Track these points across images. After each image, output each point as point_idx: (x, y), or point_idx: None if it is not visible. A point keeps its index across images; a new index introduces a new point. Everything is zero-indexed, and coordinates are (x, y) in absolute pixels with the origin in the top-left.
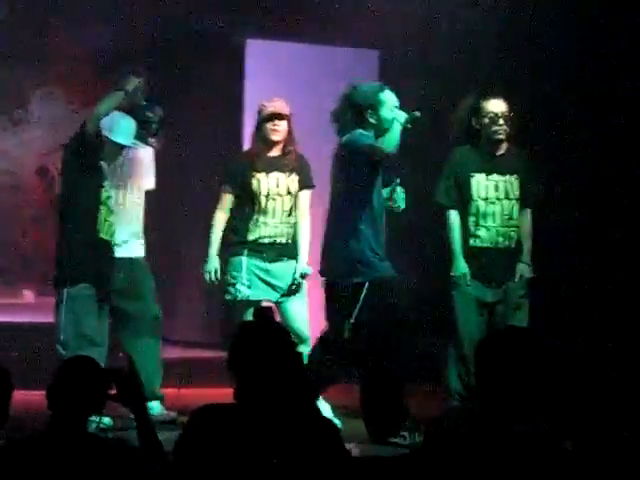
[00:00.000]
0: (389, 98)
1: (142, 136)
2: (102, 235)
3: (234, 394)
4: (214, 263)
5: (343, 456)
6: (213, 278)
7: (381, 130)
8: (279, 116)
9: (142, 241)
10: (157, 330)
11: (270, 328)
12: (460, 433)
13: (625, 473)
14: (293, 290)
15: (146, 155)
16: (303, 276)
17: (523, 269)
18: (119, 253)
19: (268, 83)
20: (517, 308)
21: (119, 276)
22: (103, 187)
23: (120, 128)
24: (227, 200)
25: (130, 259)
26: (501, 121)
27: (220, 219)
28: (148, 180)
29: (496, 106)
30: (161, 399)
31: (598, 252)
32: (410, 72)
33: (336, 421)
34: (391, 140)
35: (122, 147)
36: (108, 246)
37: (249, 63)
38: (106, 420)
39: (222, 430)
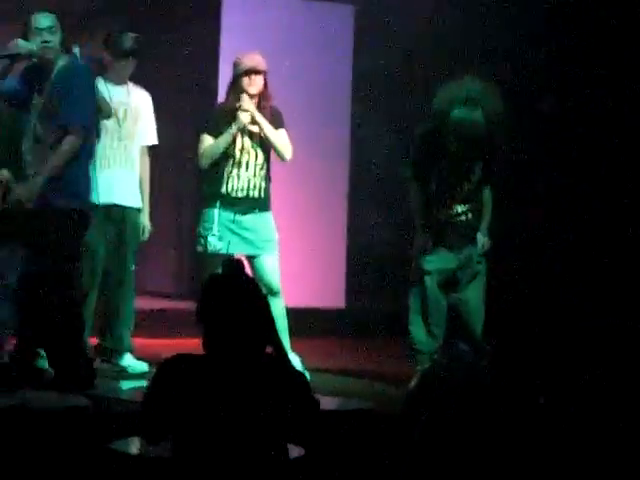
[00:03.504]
0: None
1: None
2: None
3: (203, 345)
4: None
5: (312, 405)
6: None
7: None
8: (256, 71)
9: (137, 191)
10: (132, 281)
11: (239, 280)
12: (445, 390)
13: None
14: (265, 242)
15: (141, 105)
16: None
17: (481, 239)
18: (107, 199)
19: (243, 36)
20: (474, 277)
21: (108, 224)
22: None
23: None
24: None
25: (121, 207)
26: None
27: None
28: (146, 134)
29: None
30: (132, 350)
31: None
32: (385, 30)
33: (305, 373)
34: None
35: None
36: None
37: (225, 16)
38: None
39: (191, 380)
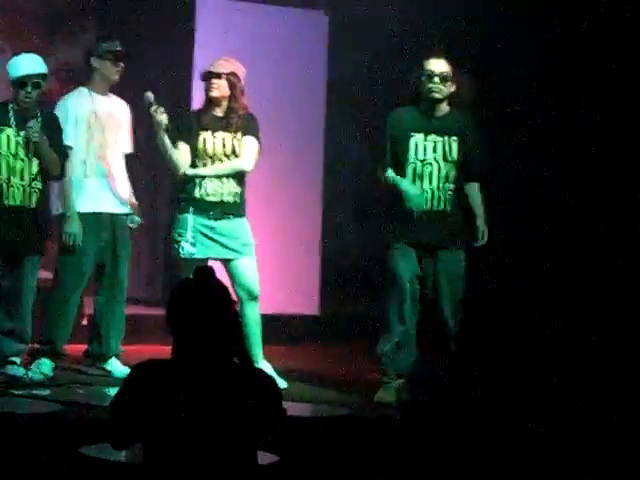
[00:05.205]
0: None
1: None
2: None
3: (172, 350)
4: None
5: (279, 411)
6: None
7: None
8: (215, 75)
9: (123, 198)
10: (125, 290)
11: (208, 286)
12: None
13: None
14: (241, 247)
15: (122, 114)
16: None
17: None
18: (97, 208)
19: (217, 42)
20: (455, 278)
21: (101, 232)
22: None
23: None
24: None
25: (111, 215)
26: (437, 79)
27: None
28: (126, 142)
29: (434, 65)
30: (119, 354)
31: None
32: (360, 37)
33: (280, 381)
34: None
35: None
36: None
37: (199, 21)
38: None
39: (160, 386)
